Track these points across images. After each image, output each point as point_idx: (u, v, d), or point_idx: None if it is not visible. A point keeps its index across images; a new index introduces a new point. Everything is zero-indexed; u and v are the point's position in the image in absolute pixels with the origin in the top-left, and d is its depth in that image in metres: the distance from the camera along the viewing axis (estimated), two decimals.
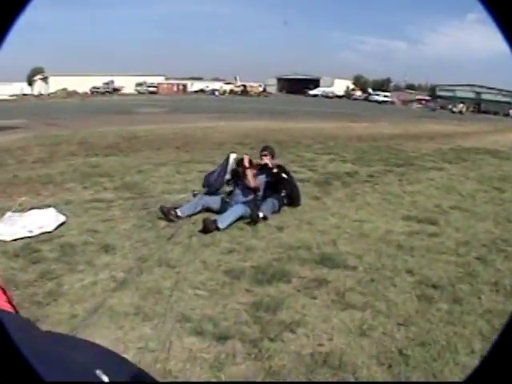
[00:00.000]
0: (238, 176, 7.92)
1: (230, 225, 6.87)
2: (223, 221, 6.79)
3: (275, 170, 7.99)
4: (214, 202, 7.65)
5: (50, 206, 7.57)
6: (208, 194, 8.03)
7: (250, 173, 7.68)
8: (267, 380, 3.41)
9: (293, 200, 8.17)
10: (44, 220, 6.85)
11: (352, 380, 3.42)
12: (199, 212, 7.48)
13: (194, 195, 8.08)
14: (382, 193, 9.59)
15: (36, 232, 6.59)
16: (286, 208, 8.05)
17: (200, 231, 6.64)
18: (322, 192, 9.42)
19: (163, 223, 7.09)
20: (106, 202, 8.29)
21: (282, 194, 7.98)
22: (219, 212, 7.44)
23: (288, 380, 3.42)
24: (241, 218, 7.12)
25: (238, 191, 7.80)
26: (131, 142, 17.30)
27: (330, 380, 3.43)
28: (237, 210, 7.12)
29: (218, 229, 6.67)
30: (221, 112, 37.14)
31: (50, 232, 6.63)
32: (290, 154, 14.85)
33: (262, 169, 8.05)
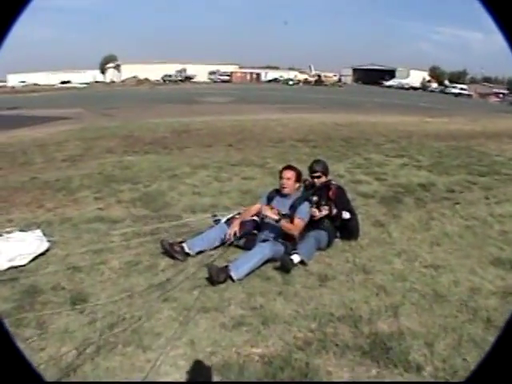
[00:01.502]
0: (271, 198, 5.94)
1: (251, 272, 4.94)
2: (240, 267, 4.85)
3: (334, 212, 5.94)
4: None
5: (39, 227, 6.16)
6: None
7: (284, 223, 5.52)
8: None
9: (349, 234, 6.18)
10: (22, 248, 5.37)
11: None
12: (218, 247, 5.60)
13: (215, 220, 6.11)
14: (465, 217, 7.31)
15: (4, 266, 5.15)
16: (337, 240, 6.05)
17: (208, 279, 4.75)
18: (388, 214, 7.28)
19: (165, 261, 5.29)
20: (109, 223, 6.68)
21: (335, 224, 5.98)
22: (245, 247, 5.55)
23: None
24: (268, 261, 5.17)
25: (271, 220, 5.75)
26: (180, 137, 15.86)
27: None
28: (262, 251, 5.12)
29: (231, 278, 4.77)
30: (289, 103, 35.19)
31: (23, 266, 5.19)
32: (356, 155, 12.84)
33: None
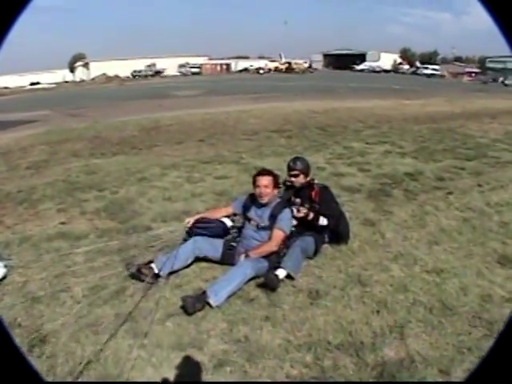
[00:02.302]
0: (248, 208, 5.22)
1: (232, 295, 4.30)
2: (219, 291, 4.19)
3: (311, 217, 5.24)
4: (213, 247, 5.00)
5: None
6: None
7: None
8: None
9: (338, 238, 5.56)
10: None
11: None
12: (191, 264, 4.95)
13: (189, 232, 5.37)
14: (461, 209, 6.77)
15: None
16: (325, 245, 5.46)
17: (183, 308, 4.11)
18: (377, 211, 6.71)
19: (134, 285, 4.65)
20: (72, 240, 5.96)
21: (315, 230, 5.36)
22: (222, 262, 4.93)
23: None
24: (252, 279, 4.56)
25: (249, 231, 5.10)
26: (149, 135, 15.15)
27: None
28: (243, 271, 4.45)
29: (209, 305, 4.14)
30: (261, 92, 34.38)
31: None
32: (335, 144, 12.31)
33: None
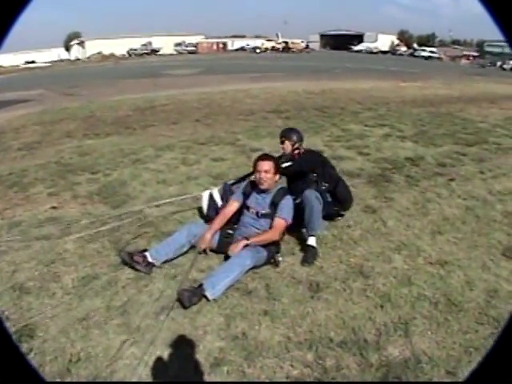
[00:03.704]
0: (247, 195, 4.98)
1: (229, 288, 4.12)
2: (216, 284, 4.00)
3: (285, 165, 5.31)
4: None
5: None
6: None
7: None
8: None
9: (339, 201, 5.50)
10: None
11: None
12: (186, 252, 4.76)
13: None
14: (463, 196, 6.58)
15: None
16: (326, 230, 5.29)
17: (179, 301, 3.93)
18: (379, 197, 6.51)
19: (126, 274, 4.46)
20: (63, 225, 5.73)
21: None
22: (218, 251, 4.74)
23: None
24: (250, 269, 4.38)
25: (248, 218, 4.87)
26: (144, 114, 14.85)
27: None
28: (242, 262, 4.25)
29: (206, 298, 3.96)
30: (258, 72, 33.91)
31: None
32: (333, 126, 12.07)
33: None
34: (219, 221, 4.87)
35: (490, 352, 1.63)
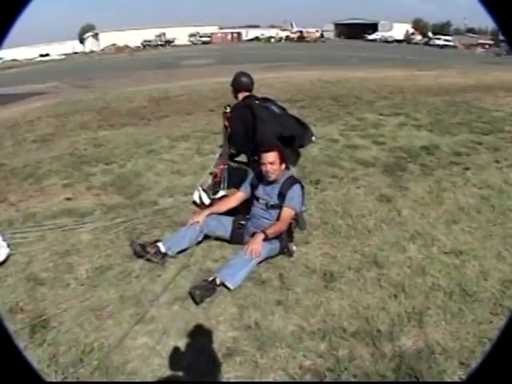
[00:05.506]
0: (255, 186, 4.88)
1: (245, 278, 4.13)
2: (235, 274, 4.02)
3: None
4: (222, 226, 4.79)
5: None
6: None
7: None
8: None
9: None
10: None
11: None
12: (200, 242, 4.76)
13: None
14: (479, 185, 6.48)
15: None
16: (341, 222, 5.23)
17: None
18: (393, 186, 6.45)
19: (140, 265, 4.46)
20: (77, 216, 5.79)
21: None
22: (231, 241, 4.73)
23: None
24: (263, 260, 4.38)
25: (258, 210, 4.80)
26: (159, 105, 14.88)
27: None
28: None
29: (226, 287, 3.98)
30: (272, 61, 33.77)
31: None
32: (348, 115, 11.97)
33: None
34: (220, 205, 4.95)
35: (489, 352, 1.65)
